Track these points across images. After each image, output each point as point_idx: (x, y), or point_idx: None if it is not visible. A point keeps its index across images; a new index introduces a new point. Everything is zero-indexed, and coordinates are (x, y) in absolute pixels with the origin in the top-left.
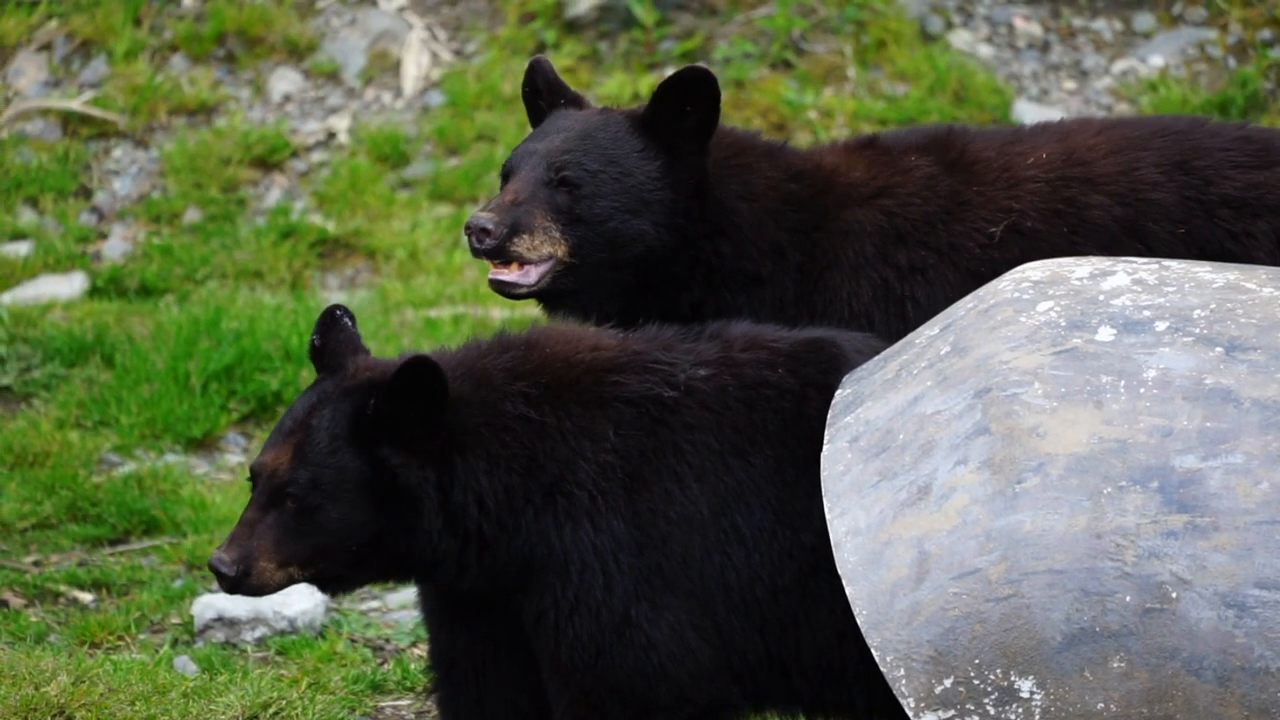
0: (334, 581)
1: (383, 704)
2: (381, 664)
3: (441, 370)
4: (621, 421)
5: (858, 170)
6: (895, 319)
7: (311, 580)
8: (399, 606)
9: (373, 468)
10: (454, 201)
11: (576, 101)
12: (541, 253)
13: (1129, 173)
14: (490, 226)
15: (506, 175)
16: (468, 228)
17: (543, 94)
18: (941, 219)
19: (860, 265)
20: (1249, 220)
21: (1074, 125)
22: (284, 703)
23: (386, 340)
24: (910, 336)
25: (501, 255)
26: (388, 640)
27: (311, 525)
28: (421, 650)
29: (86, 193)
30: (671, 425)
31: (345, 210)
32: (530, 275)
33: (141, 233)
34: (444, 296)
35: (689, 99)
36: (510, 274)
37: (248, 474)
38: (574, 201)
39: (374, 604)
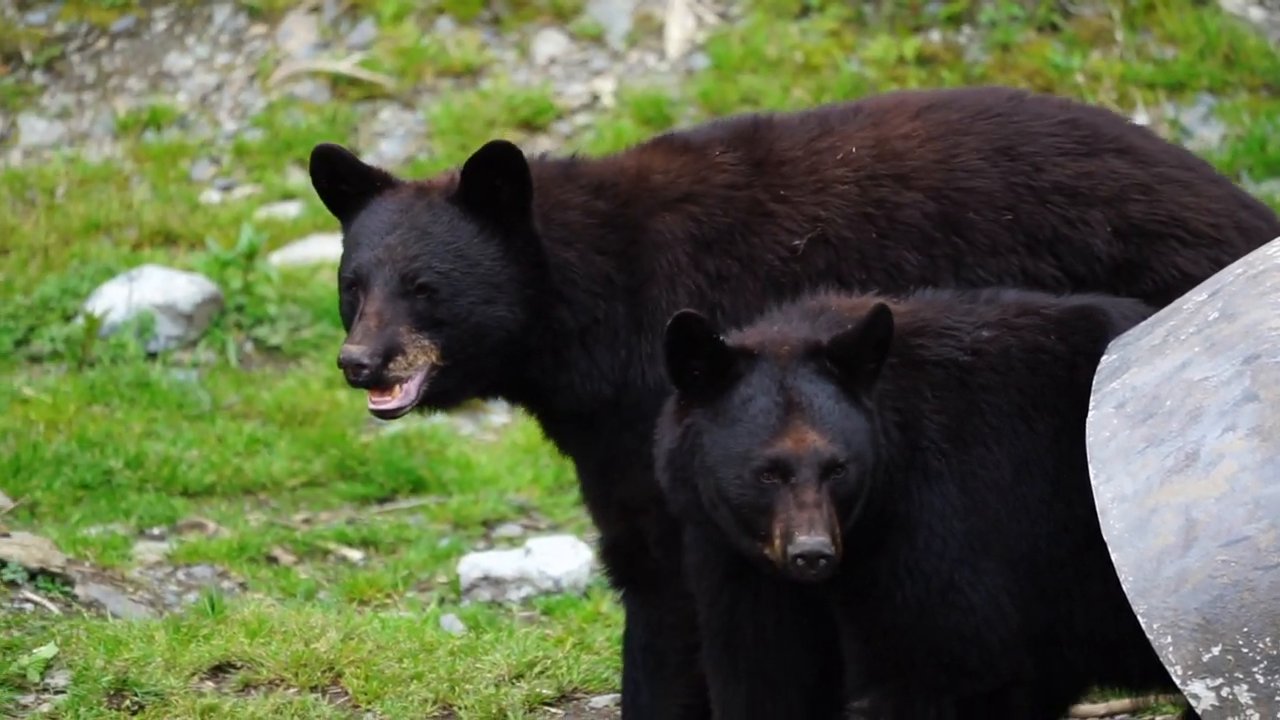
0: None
1: None
2: None
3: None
4: (935, 383)
5: (659, 172)
6: None
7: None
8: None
9: (868, 422)
10: None
11: (386, 182)
12: (416, 365)
13: (946, 162)
14: (366, 361)
15: (352, 284)
16: (341, 363)
17: (346, 180)
18: (742, 231)
19: (675, 275)
20: (1084, 208)
21: (890, 106)
22: (549, 662)
23: None
24: (1178, 302)
25: (380, 383)
26: None
27: (850, 493)
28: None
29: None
30: (971, 387)
31: None
32: (410, 393)
33: None
34: None
35: (497, 174)
36: (392, 400)
37: (769, 464)
38: (433, 306)
39: None
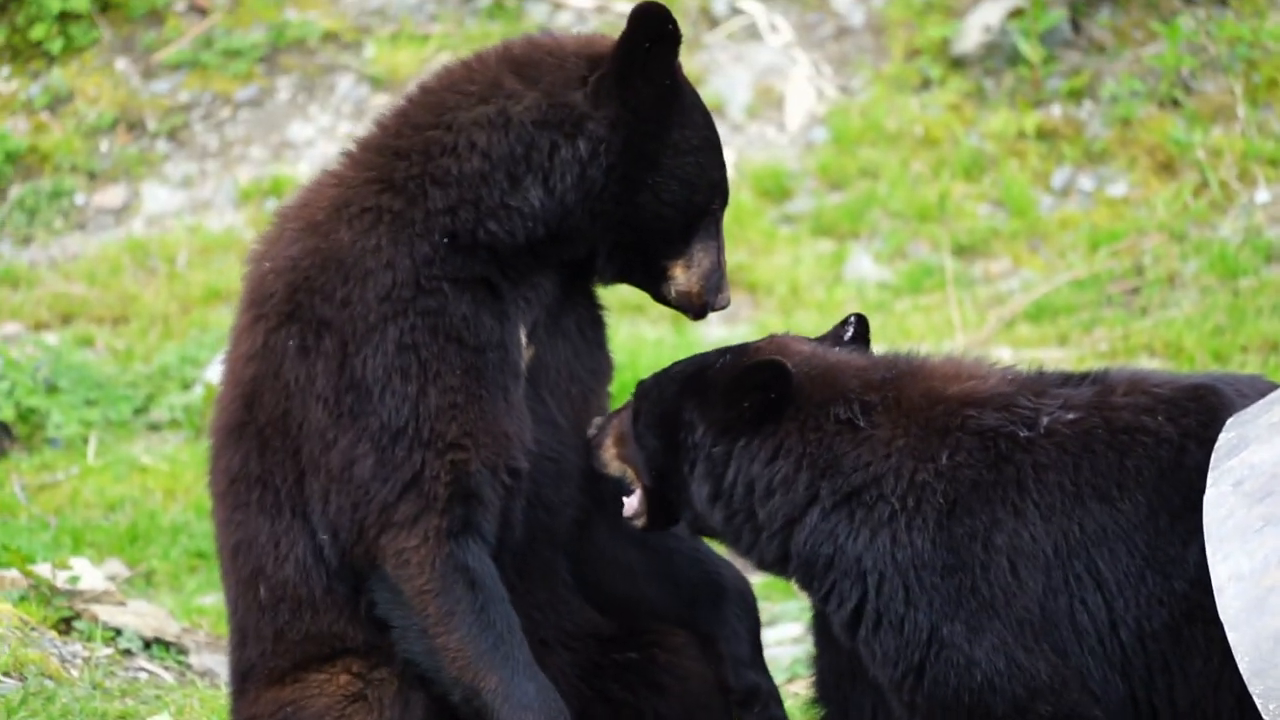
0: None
1: None
2: None
3: (757, 363)
4: (958, 449)
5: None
6: None
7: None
8: (775, 642)
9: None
10: (836, 237)
11: None
12: None
13: None
14: None
15: (717, 207)
16: (723, 307)
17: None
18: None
19: None
20: None
21: None
22: None
23: None
24: None
25: None
26: None
27: None
28: (796, 688)
29: None
30: (1019, 463)
31: (727, 245)
32: None
33: None
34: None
35: None
36: None
37: None
38: None
39: None
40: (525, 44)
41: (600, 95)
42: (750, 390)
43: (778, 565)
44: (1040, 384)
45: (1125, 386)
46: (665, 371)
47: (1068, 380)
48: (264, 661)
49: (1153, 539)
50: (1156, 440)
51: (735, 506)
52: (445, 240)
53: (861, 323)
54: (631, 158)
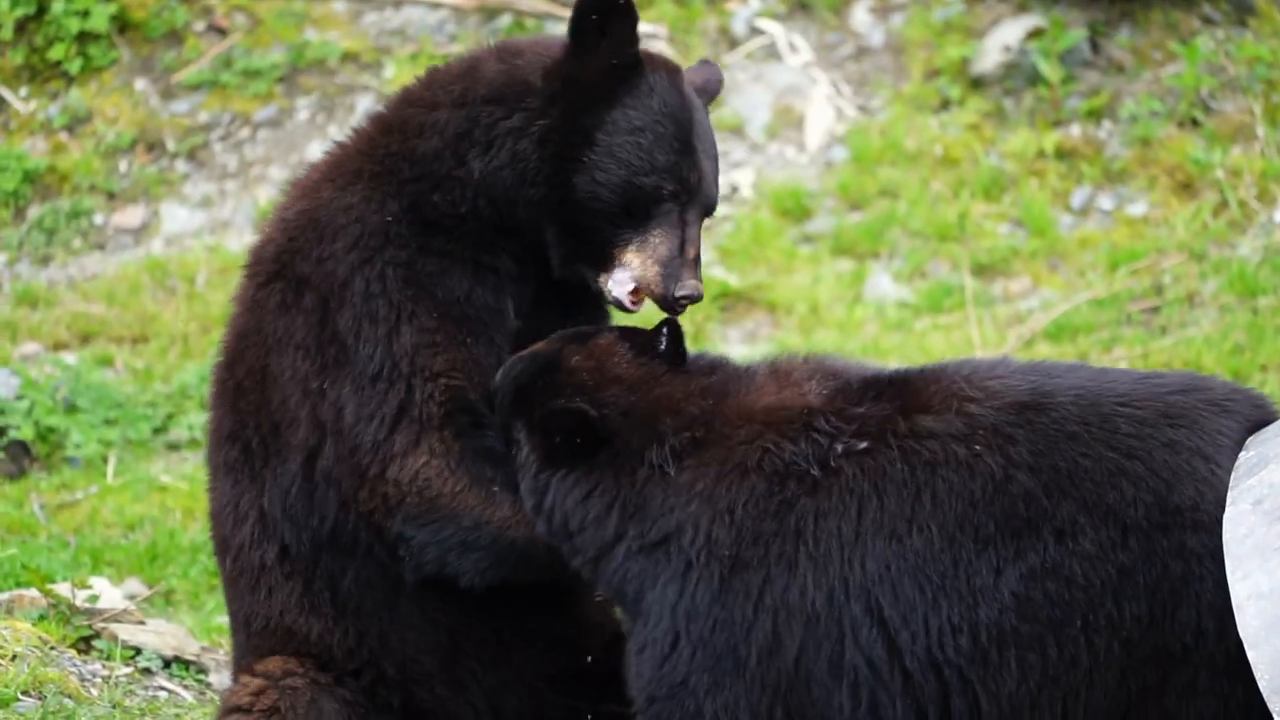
0: None
1: None
2: None
3: (577, 412)
4: (752, 496)
5: None
6: None
7: None
8: None
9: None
10: (855, 257)
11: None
12: None
13: None
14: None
15: (677, 193)
16: (693, 299)
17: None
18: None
19: None
20: None
21: None
22: None
23: None
24: None
25: None
26: None
27: None
28: None
29: None
30: (802, 509)
31: (747, 264)
32: None
33: None
34: (844, 351)
35: None
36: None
37: None
38: None
39: None
40: (531, 36)
41: (550, 71)
42: (557, 431)
43: (590, 583)
44: (848, 398)
45: (937, 402)
46: (513, 366)
47: (874, 392)
48: (242, 657)
49: (950, 569)
50: (970, 475)
51: (553, 528)
52: (409, 209)
53: (674, 333)
54: (567, 132)
